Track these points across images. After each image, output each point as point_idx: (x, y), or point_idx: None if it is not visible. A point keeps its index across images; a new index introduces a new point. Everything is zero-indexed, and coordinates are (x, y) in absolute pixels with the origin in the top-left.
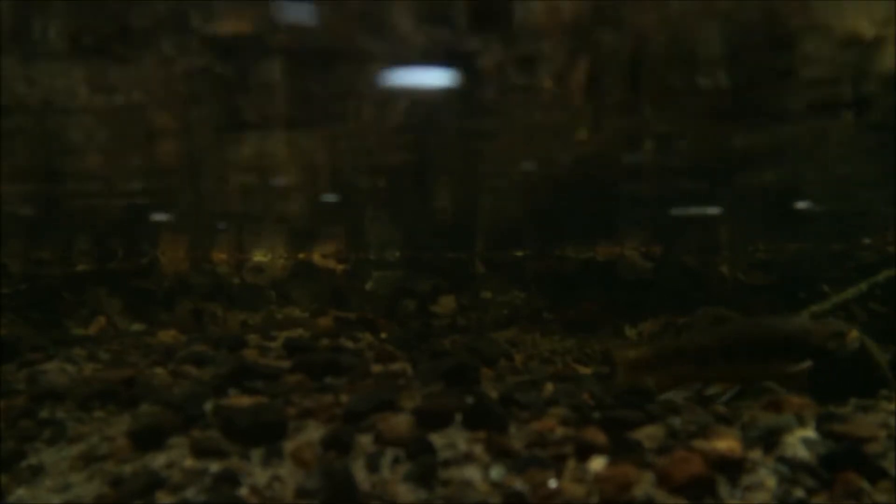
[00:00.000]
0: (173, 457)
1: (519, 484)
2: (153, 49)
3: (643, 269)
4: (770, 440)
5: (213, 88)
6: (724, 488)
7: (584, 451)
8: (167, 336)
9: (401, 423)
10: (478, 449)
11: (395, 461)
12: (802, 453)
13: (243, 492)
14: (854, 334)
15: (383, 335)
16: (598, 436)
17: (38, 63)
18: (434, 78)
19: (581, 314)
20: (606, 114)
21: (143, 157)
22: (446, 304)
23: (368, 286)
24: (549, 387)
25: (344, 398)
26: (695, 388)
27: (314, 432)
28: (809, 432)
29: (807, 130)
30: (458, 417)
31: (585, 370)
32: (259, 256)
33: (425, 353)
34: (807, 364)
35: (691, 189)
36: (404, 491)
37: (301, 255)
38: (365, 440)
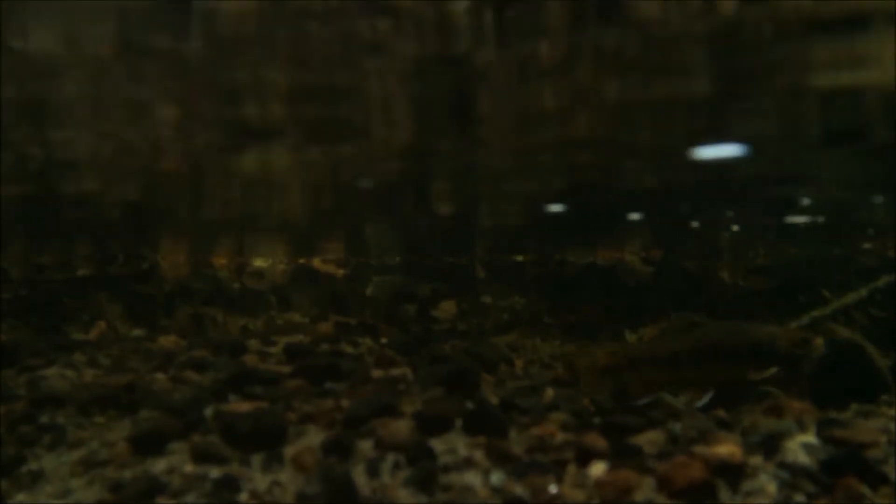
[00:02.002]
0: (173, 462)
1: (519, 489)
2: None
3: (643, 274)
4: (771, 445)
5: None
6: (724, 493)
7: (585, 457)
8: (167, 341)
9: (401, 428)
10: (478, 454)
11: (396, 466)
12: (803, 458)
13: (243, 497)
14: (819, 341)
15: (383, 340)
16: (598, 441)
17: None
18: None
19: (581, 319)
20: None
21: None
22: (447, 308)
23: (369, 291)
24: (550, 392)
25: (344, 403)
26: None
27: (314, 437)
28: (810, 437)
29: None
30: (459, 422)
31: None
32: (259, 261)
33: (426, 357)
34: (772, 370)
35: None
36: (404, 496)
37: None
38: (365, 445)
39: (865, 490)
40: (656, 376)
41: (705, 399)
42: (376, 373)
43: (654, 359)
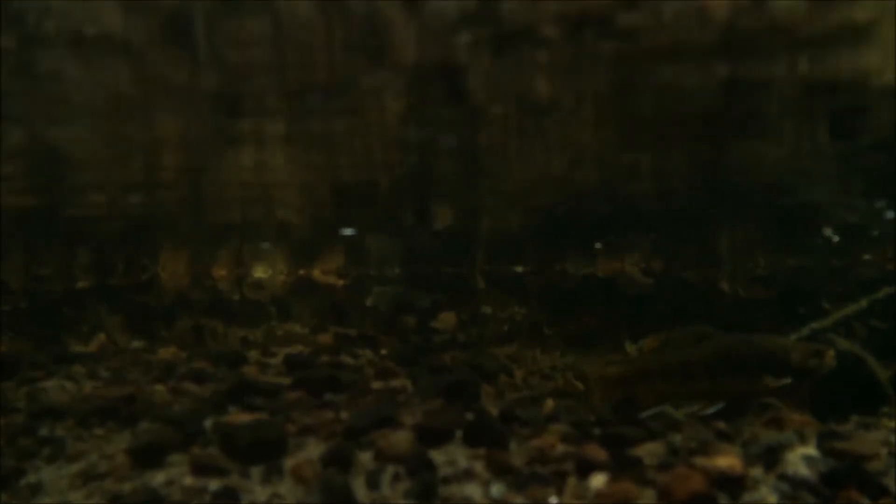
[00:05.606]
0: (173, 474)
1: (519, 501)
2: None
3: (643, 285)
4: (771, 457)
5: None
6: None
7: (585, 468)
8: (167, 353)
9: (401, 439)
10: (478, 465)
11: (396, 478)
12: (803, 471)
13: None
14: (832, 354)
15: (383, 351)
16: (598, 452)
17: None
18: None
19: (582, 329)
20: None
21: None
22: (446, 319)
23: (368, 301)
24: (550, 403)
25: (344, 415)
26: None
27: (314, 449)
28: (810, 450)
29: None
30: (459, 434)
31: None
32: (259, 272)
33: (425, 369)
34: (786, 381)
35: None
36: None
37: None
38: (365, 457)
39: (866, 502)
40: (668, 388)
41: (716, 408)
42: (376, 384)
43: (666, 370)
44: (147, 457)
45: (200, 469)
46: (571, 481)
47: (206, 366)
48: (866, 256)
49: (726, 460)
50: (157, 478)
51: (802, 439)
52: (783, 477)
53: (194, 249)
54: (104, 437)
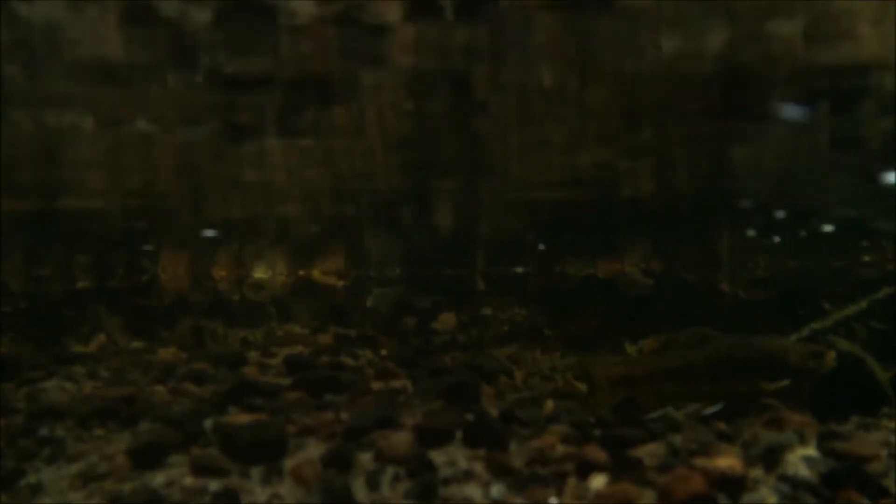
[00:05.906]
0: (173, 475)
1: (519, 502)
2: None
3: (644, 286)
4: (771, 458)
5: None
6: None
7: (585, 469)
8: (167, 353)
9: (401, 440)
10: (478, 466)
11: (396, 479)
12: (804, 471)
13: None
14: (832, 355)
15: (383, 352)
16: (598, 453)
17: None
18: None
19: (582, 331)
20: None
21: None
22: (447, 320)
23: (369, 302)
24: (550, 404)
25: (344, 415)
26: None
27: (314, 450)
28: (811, 450)
29: None
30: (459, 435)
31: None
32: (259, 273)
33: (425, 370)
34: (785, 382)
35: None
36: None
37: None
38: (365, 457)
39: (866, 503)
40: (670, 389)
41: (716, 408)
42: (376, 385)
43: (670, 371)
44: (147, 457)
45: (200, 469)
46: (571, 482)
47: (207, 366)
48: (866, 257)
49: (726, 461)
50: (157, 478)
51: (802, 440)
52: (783, 478)
53: (194, 250)
54: (104, 438)
